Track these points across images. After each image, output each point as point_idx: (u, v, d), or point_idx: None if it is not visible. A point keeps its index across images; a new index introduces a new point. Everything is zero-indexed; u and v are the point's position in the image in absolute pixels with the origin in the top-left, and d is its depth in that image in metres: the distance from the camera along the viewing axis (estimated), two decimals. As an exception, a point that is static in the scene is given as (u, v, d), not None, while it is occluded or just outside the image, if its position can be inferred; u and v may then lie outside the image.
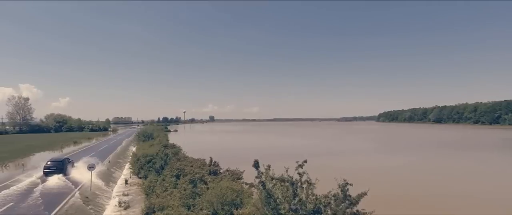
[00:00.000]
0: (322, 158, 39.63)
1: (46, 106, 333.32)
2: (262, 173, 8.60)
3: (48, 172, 24.31)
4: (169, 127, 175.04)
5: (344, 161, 38.86)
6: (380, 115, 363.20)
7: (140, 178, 25.45)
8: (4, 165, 31.29)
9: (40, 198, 17.32)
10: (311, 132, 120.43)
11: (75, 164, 28.30)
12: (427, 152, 49.17)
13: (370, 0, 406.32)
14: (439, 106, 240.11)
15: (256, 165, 8.73)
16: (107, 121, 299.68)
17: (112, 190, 21.76)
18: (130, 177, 26.75)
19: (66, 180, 22.59)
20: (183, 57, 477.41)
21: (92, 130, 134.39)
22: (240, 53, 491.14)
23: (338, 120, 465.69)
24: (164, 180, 18.48)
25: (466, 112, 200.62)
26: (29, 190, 19.43)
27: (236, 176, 14.57)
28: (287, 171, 8.54)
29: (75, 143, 62.02)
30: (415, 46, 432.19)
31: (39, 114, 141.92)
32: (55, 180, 22.43)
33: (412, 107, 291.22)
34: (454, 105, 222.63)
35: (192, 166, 17.11)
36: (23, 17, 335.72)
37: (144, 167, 25.88)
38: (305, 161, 8.51)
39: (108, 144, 58.81)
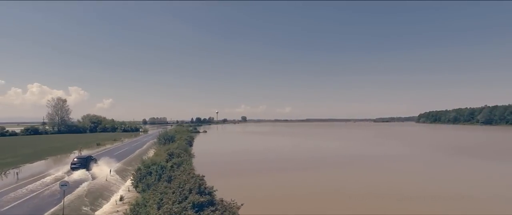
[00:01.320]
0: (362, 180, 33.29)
1: (91, 107, 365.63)
2: None
3: (74, 167, 29.26)
4: (201, 128, 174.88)
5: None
6: (421, 116, 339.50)
7: (139, 192, 21.68)
8: (3, 172, 29.02)
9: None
10: (348, 135, 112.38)
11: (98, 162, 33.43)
12: None
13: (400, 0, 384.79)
14: (489, 106, 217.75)
15: None
16: (144, 121, 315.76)
17: (95, 212, 17.85)
18: (129, 191, 23.03)
19: (88, 174, 27.76)
20: (217, 59, 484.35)
21: (124, 130, 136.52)
22: (272, 53, 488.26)
23: (374, 120, 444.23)
24: (147, 206, 14.20)
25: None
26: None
27: (230, 213, 9.92)
28: None
29: (98, 145, 60.76)
30: (458, 42, 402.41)
31: (84, 114, 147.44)
32: (78, 173, 27.64)
33: (457, 107, 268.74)
34: (507, 104, 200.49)
35: (173, 192, 12.60)
36: (70, 26, 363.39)
37: (143, 179, 22.01)
38: None
39: (129, 147, 56.85)
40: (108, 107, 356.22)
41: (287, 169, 34.94)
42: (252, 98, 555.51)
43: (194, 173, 17.43)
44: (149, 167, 23.76)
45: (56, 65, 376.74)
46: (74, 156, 40.15)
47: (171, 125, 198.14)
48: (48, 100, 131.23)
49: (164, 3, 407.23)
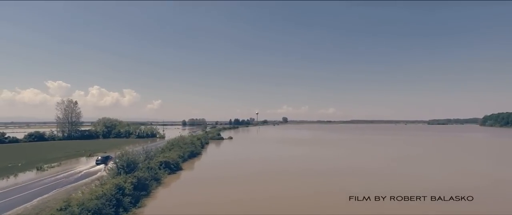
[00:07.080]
0: None
1: (142, 108, 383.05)
2: None
3: (98, 163, 45.26)
4: (237, 130, 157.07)
5: None
6: (486, 118, 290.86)
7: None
8: None
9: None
10: (432, 148, 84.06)
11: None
12: None
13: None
14: None
15: None
16: (183, 122, 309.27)
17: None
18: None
19: (103, 167, 41.98)
20: (261, 61, 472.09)
21: (138, 136, 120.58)
22: (316, 54, 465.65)
23: (428, 123, 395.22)
24: None
25: None
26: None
27: None
28: None
29: (39, 169, 41.87)
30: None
31: (137, 115, 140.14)
32: (99, 166, 43.59)
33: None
34: None
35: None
36: (123, 30, 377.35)
37: None
38: None
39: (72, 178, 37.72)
40: (157, 108, 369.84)
41: None
42: (295, 99, 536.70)
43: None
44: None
45: (112, 69, 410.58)
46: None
47: (206, 127, 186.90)
48: (57, 103, 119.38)
49: (208, 4, 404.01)
